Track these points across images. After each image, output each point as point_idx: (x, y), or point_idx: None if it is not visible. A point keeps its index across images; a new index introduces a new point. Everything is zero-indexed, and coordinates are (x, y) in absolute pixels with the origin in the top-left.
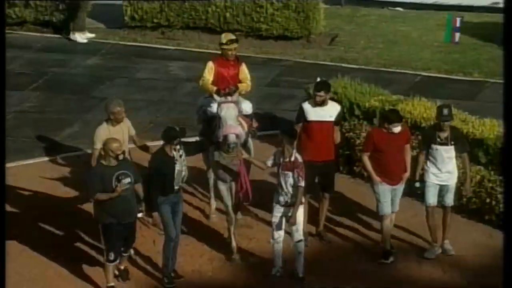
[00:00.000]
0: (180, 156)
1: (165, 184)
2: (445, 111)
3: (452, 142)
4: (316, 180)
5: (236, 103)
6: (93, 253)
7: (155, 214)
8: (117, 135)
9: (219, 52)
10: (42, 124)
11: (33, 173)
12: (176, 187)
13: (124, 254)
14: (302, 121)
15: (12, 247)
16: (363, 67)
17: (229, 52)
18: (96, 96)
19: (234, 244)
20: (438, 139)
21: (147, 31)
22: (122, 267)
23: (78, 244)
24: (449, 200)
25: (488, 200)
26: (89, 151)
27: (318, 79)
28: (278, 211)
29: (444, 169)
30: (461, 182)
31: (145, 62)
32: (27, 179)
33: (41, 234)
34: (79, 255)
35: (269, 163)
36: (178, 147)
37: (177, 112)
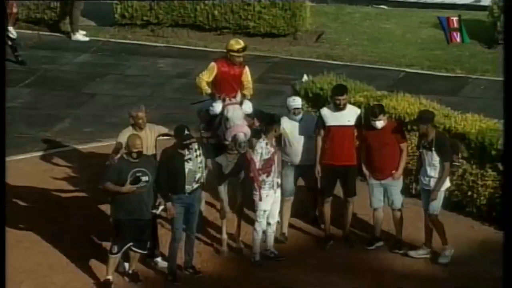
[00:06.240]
0: (196, 156)
1: (173, 181)
2: (420, 115)
3: (434, 149)
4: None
5: (241, 103)
6: (87, 245)
7: (169, 204)
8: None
9: (212, 50)
10: (34, 120)
11: (24, 167)
12: (188, 187)
13: (135, 250)
14: (322, 127)
15: (7, 239)
16: (348, 63)
17: (237, 59)
18: (87, 92)
19: (224, 236)
20: (423, 142)
21: (137, 28)
22: (131, 271)
23: (72, 236)
24: (431, 207)
25: (469, 193)
26: (79, 146)
27: (305, 76)
28: (269, 199)
29: (427, 174)
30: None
31: (135, 59)
32: (19, 174)
33: (35, 226)
34: (74, 247)
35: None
36: (195, 146)
37: (166, 108)
